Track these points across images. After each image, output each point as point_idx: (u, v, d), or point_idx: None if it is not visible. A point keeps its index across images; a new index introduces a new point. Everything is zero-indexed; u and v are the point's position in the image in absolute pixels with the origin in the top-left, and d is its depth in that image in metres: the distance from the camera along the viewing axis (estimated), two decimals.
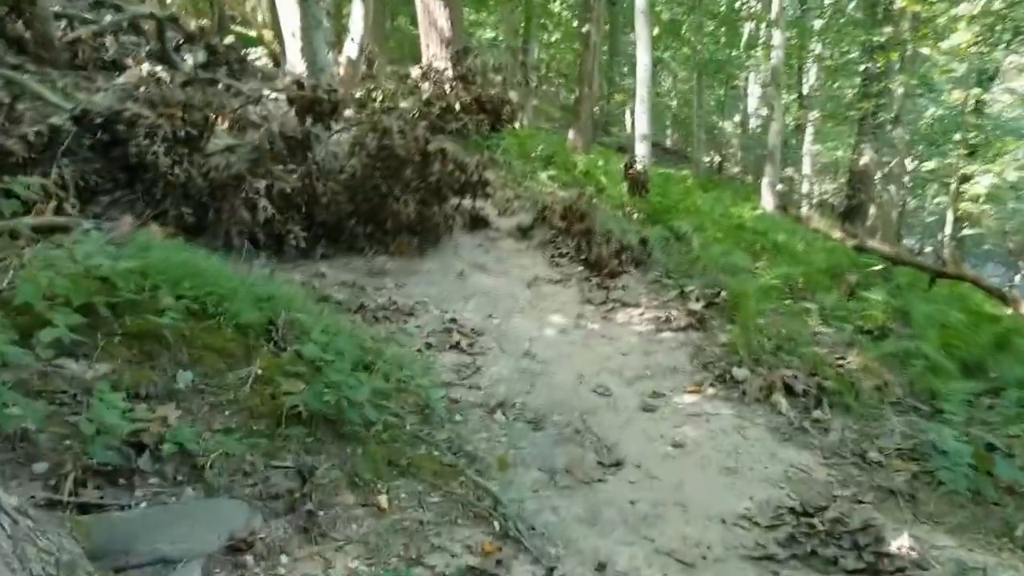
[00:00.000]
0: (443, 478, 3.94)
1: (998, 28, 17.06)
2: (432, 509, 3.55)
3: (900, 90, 19.00)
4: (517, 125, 19.31)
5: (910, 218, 27.55)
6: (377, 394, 4.16)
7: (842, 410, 4.96)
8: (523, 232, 7.74)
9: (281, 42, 14.03)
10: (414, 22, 15.74)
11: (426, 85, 11.63)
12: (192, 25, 11.71)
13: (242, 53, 12.24)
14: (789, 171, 27.25)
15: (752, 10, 27.50)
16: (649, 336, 5.92)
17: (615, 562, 3.36)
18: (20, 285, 3.70)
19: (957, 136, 21.16)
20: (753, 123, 31.69)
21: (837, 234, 10.20)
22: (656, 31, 26.17)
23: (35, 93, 7.02)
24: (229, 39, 15.39)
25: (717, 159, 31.10)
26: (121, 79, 9.64)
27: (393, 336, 5.53)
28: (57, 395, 3.35)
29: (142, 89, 7.90)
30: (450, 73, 11.68)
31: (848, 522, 3.64)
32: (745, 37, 28.03)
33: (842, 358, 6.01)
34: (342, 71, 12.89)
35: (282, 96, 8.25)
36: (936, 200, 25.78)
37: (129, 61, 10.99)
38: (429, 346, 5.50)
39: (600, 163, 13.95)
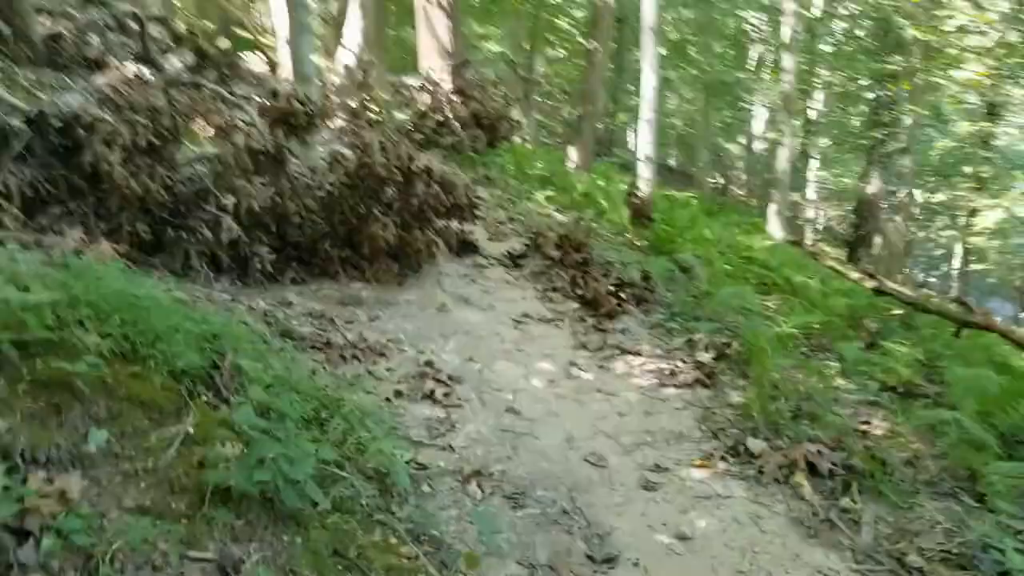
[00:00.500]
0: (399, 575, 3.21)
1: (1011, 61, 16.44)
2: None
3: (909, 120, 18.33)
4: (517, 140, 18.67)
5: (916, 248, 26.80)
6: (327, 462, 3.44)
7: (873, 495, 4.20)
8: (514, 260, 7.00)
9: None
10: None
11: (423, 97, 10.96)
12: (183, 27, 11.00)
13: (236, 58, 11.53)
14: (794, 196, 26.56)
15: (762, 33, 26.89)
16: (651, 392, 5.16)
17: None
18: None
19: (968, 169, 20.50)
20: (758, 146, 31.06)
21: (855, 274, 9.46)
22: (663, 51, 25.60)
23: None
24: (225, 43, 14.72)
25: (722, 181, 30.49)
26: (101, 79, 8.96)
27: (359, 381, 4.79)
28: None
29: (112, 92, 7.22)
30: (448, 86, 11.00)
31: None
32: (756, 59, 27.45)
33: (867, 422, 5.28)
34: (337, 80, 12.20)
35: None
36: (945, 233, 25.10)
37: (114, 60, 10.33)
38: (399, 395, 4.75)
39: (601, 183, 13.24)
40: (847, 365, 6.28)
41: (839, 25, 23.99)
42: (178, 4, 17.90)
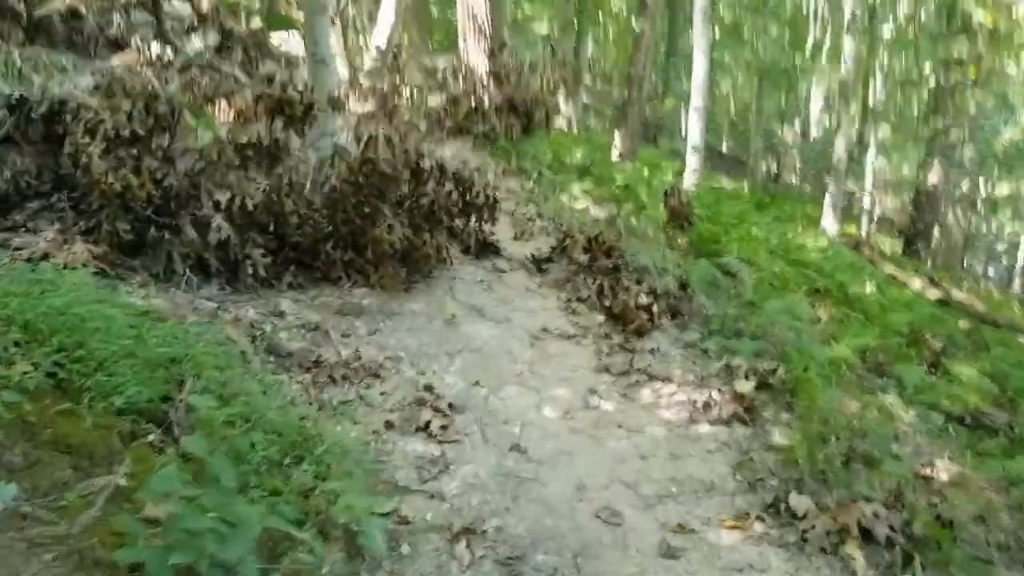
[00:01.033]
0: None
1: None
2: None
3: (973, 108, 17.19)
4: (562, 123, 17.89)
5: (976, 241, 25.50)
6: (284, 521, 2.82)
7: (939, 569, 3.48)
8: (537, 264, 6.30)
9: None
10: None
11: (457, 81, 10.27)
12: (206, 5, 10.41)
13: (265, 38, 10.93)
14: (849, 184, 25.40)
15: (820, 15, 25.69)
16: (680, 428, 4.44)
17: None
18: None
19: None
20: (814, 131, 29.87)
21: (916, 283, 8.61)
22: (718, 33, 24.55)
23: None
24: (256, 23, 14.15)
25: (774, 167, 29.37)
26: (115, 61, 8.45)
27: (346, 409, 4.17)
28: None
29: (116, 75, 6.69)
30: (483, 69, 10.30)
31: None
32: (810, 43, 26.26)
33: (931, 464, 4.54)
34: (368, 62, 11.57)
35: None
36: (1010, 227, 23.81)
37: (137, 41, 9.82)
38: (390, 426, 4.11)
39: (645, 172, 12.45)
40: (908, 392, 5.52)
41: (902, 8, 22.75)
42: None
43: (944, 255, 19.95)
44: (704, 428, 4.44)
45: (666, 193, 7.55)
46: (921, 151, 21.23)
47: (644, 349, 5.20)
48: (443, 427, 4.15)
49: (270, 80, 5.30)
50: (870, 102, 24.68)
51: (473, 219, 5.95)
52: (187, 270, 4.98)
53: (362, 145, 5.23)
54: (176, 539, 2.46)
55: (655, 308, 5.45)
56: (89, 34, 9.56)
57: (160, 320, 4.12)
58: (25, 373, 2.96)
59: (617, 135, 14.41)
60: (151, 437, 3.24)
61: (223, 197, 5.32)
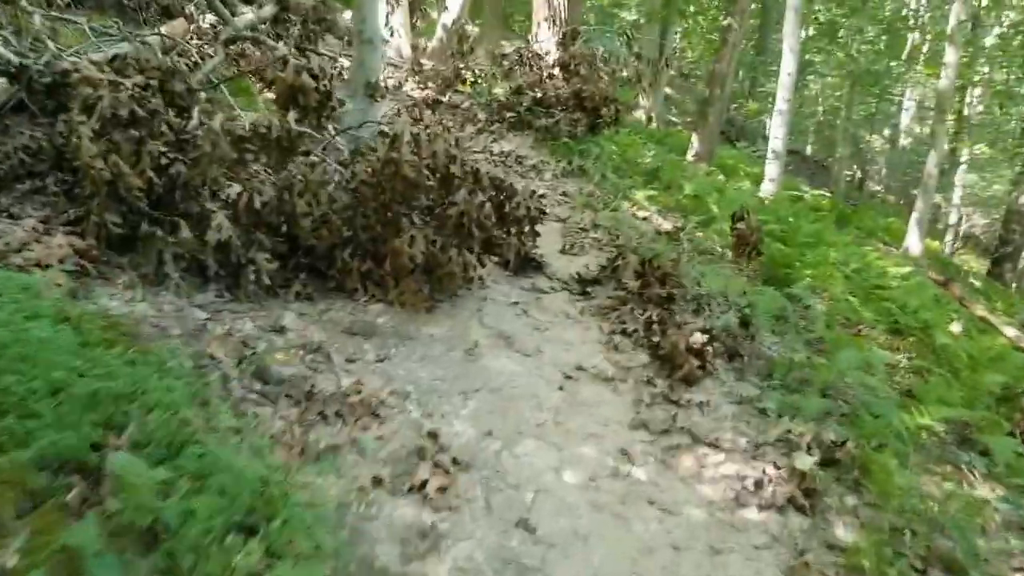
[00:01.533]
0: None
1: None
2: None
3: None
4: (640, 116, 16.97)
5: None
6: None
7: None
8: (583, 285, 5.54)
9: None
10: None
11: (524, 69, 9.53)
12: None
13: (327, 12, 10.31)
14: (936, 198, 23.94)
15: (921, 20, 24.20)
16: (724, 513, 3.64)
17: None
18: None
19: None
20: (903, 140, 28.38)
21: (1011, 331, 7.61)
22: (811, 31, 23.25)
23: None
24: None
25: (859, 174, 27.97)
26: (162, 29, 7.92)
27: (332, 458, 3.50)
28: None
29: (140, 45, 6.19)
30: (552, 58, 9.53)
31: None
32: (907, 48, 24.81)
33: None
34: (433, 43, 10.88)
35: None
36: None
37: (192, 8, 9.32)
38: (378, 483, 3.42)
39: (719, 178, 11.56)
40: (998, 469, 4.64)
41: (1008, 16, 21.18)
42: None
43: None
44: (753, 514, 3.64)
45: (734, 216, 6.69)
46: (1016, 168, 19.84)
47: (692, 402, 4.40)
48: (441, 489, 3.45)
49: (284, 62, 4.60)
50: (965, 113, 23.18)
51: (513, 232, 5.21)
52: (177, 272, 4.37)
53: (387, 142, 4.53)
54: None
55: (709, 351, 4.65)
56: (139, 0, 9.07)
57: (127, 336, 3.52)
58: None
59: (695, 136, 13.49)
60: (69, 496, 2.62)
61: (232, 191, 4.71)
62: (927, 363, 6.11)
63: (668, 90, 22.95)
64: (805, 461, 3.86)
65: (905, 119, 27.87)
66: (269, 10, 9.29)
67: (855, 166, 27.48)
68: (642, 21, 21.28)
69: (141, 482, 2.61)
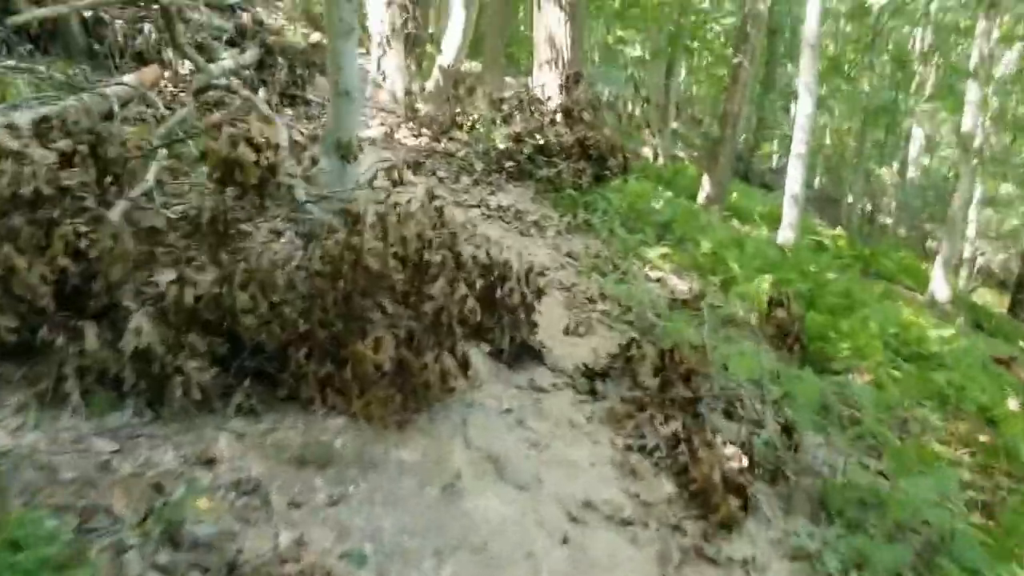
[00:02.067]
0: None
1: None
2: None
3: None
4: (647, 154, 16.05)
5: None
6: None
7: None
8: (590, 381, 4.52)
9: None
10: None
11: (524, 115, 8.59)
12: (248, 19, 8.95)
13: (316, 56, 9.40)
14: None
15: (926, 53, 23.34)
16: None
17: None
18: None
19: None
20: (911, 171, 27.42)
21: None
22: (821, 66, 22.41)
23: None
24: (316, 38, 12.71)
25: (868, 207, 27.03)
26: (127, 78, 7.04)
27: None
28: None
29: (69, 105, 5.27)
30: (555, 103, 8.60)
31: None
32: (915, 81, 23.95)
33: None
34: (430, 86, 9.95)
35: None
36: None
37: (170, 54, 8.47)
38: None
39: (735, 224, 10.58)
40: None
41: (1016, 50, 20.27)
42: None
43: None
44: None
45: (771, 302, 5.65)
46: None
47: (733, 558, 3.35)
48: None
49: (217, 128, 3.63)
50: (976, 144, 22.23)
51: (506, 322, 4.22)
52: (85, 390, 3.39)
53: (349, 224, 3.55)
54: None
55: (748, 479, 3.63)
56: (111, 45, 8.21)
57: None
58: None
59: (706, 178, 12.53)
60: None
61: (166, 278, 3.73)
62: (992, 460, 5.09)
63: (674, 124, 22.11)
64: None
65: (913, 151, 26.95)
66: (252, 55, 8.40)
67: (865, 199, 26.53)
68: (647, 57, 20.44)
69: None
